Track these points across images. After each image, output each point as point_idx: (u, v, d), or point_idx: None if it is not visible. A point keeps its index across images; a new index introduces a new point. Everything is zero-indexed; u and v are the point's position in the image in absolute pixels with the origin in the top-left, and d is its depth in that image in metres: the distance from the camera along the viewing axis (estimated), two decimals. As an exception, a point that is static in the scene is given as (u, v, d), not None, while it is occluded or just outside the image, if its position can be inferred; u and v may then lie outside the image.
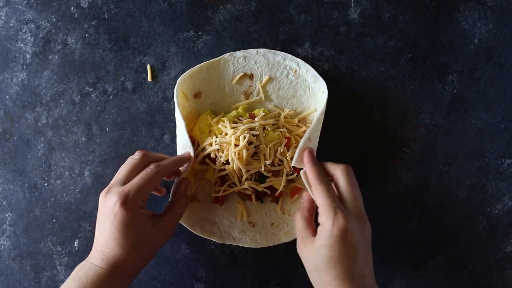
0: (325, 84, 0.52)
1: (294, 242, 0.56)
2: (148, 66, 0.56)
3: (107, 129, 0.56)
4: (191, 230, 0.54)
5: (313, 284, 0.47)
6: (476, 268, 0.55)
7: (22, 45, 0.56)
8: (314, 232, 0.46)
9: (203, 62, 0.54)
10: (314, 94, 0.54)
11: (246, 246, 0.54)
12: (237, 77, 0.54)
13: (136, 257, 0.46)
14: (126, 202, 0.44)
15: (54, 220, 0.56)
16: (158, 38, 0.56)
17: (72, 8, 0.56)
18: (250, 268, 0.56)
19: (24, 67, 0.56)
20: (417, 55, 0.55)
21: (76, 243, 0.56)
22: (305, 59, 0.55)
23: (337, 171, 0.47)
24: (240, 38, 0.56)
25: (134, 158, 0.48)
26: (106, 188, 0.46)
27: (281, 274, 0.56)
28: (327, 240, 0.43)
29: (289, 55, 0.54)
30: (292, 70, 0.54)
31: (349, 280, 0.43)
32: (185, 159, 0.50)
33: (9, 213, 0.56)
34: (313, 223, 0.48)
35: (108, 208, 0.44)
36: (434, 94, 0.55)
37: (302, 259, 0.47)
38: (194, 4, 0.56)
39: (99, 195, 0.55)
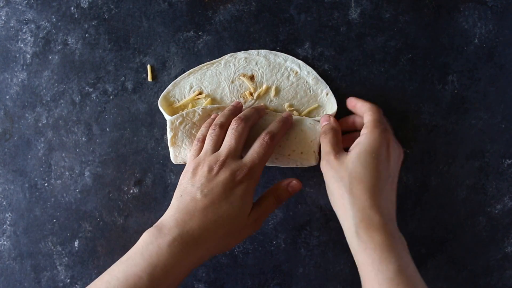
0: (327, 86, 0.52)
1: (293, 243, 0.56)
2: (148, 66, 0.56)
3: (107, 129, 0.56)
4: None
5: (343, 198, 0.44)
6: (476, 268, 0.55)
7: (22, 45, 0.56)
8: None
9: (203, 62, 0.55)
10: (315, 96, 0.54)
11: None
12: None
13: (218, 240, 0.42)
14: (251, 175, 0.42)
15: (54, 220, 0.56)
16: (158, 38, 0.56)
17: (72, 8, 0.56)
18: (250, 268, 0.56)
19: (24, 67, 0.56)
20: (417, 55, 0.55)
21: (76, 243, 0.56)
22: (305, 59, 0.55)
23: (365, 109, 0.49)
24: (240, 38, 0.56)
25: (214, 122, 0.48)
26: (194, 165, 0.44)
27: (281, 274, 0.56)
28: (370, 145, 0.44)
29: (290, 57, 0.54)
30: (293, 71, 0.54)
31: (380, 195, 0.43)
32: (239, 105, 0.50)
33: (9, 213, 0.56)
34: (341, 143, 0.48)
35: (220, 182, 0.41)
36: (434, 94, 0.55)
37: (329, 174, 0.45)
38: (194, 4, 0.56)
39: (99, 195, 0.56)
